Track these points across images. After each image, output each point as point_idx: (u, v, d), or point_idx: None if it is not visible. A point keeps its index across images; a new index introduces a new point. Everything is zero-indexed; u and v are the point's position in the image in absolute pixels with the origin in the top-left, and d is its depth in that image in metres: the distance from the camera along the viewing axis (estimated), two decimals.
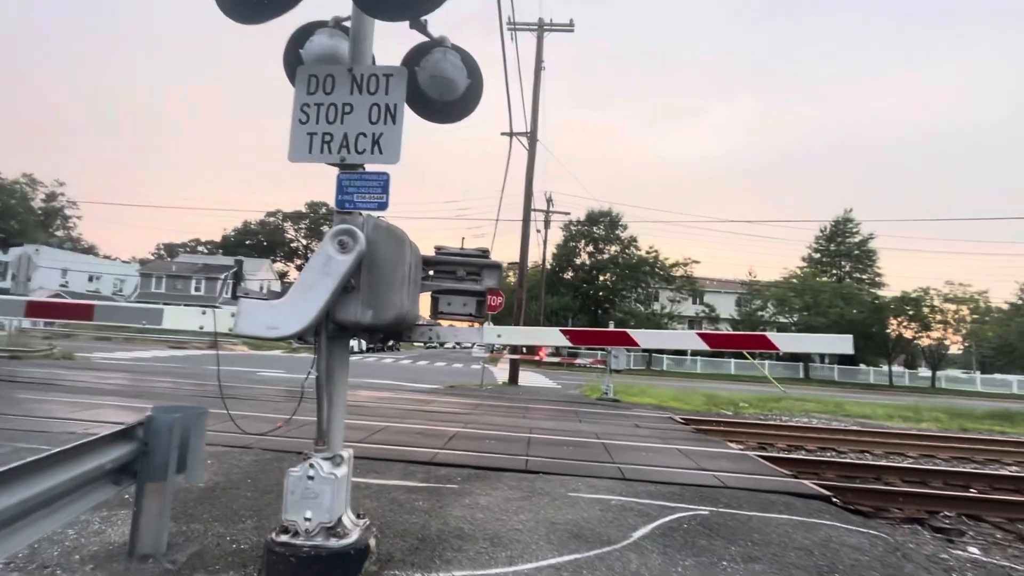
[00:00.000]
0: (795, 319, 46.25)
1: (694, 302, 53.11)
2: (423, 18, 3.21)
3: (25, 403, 8.56)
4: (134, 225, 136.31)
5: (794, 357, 45.40)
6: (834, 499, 5.80)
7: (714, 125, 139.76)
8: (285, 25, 3.23)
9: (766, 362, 43.34)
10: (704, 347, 3.57)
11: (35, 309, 4.00)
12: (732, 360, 45.15)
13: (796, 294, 46.01)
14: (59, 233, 76.82)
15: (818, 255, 55.26)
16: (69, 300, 3.65)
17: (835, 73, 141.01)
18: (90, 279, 59.47)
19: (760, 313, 48.95)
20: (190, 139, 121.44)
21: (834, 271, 54.01)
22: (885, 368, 46.61)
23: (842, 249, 54.18)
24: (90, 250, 76.27)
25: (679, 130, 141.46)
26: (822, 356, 47.00)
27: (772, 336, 3.57)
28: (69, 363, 17.40)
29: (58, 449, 2.42)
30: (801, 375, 45.67)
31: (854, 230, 53.83)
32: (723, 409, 15.92)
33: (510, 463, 6.43)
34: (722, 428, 11.30)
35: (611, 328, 20.02)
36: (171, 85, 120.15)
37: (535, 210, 24.12)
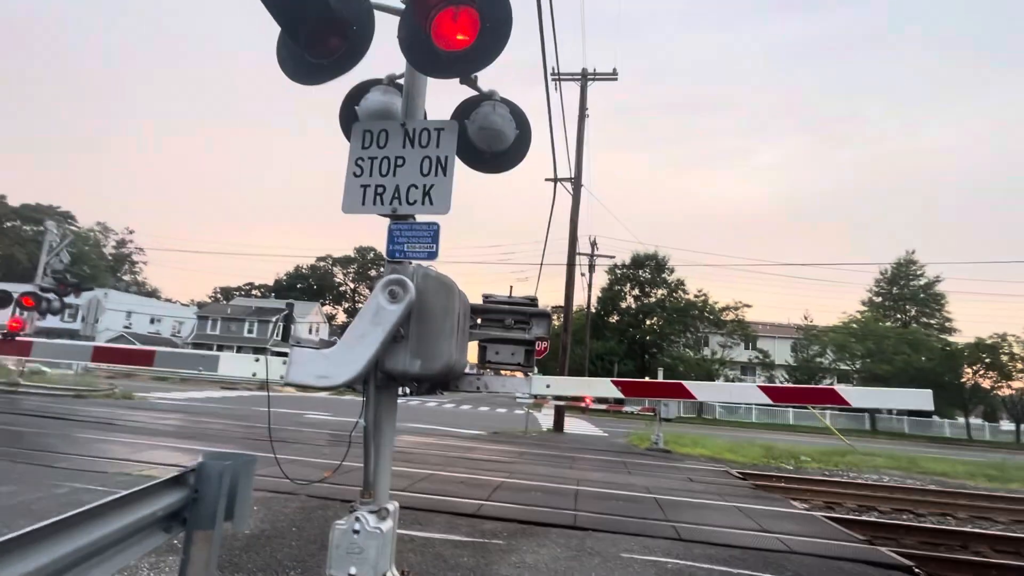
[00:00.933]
0: (857, 366, 43.71)
1: (747, 347, 51.11)
2: (473, 74, 3.30)
3: (85, 443, 8.92)
4: (194, 269, 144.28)
5: (861, 408, 42.69)
6: (917, 570, 5.25)
7: (762, 167, 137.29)
8: (341, 83, 3.39)
9: (827, 412, 40.89)
10: (766, 401, 3.35)
11: (101, 355, 4.19)
12: (790, 409, 42.82)
13: (857, 340, 43.63)
14: (126, 278, 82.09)
15: (879, 299, 52.60)
16: (132, 346, 3.80)
17: (890, 111, 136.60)
18: (151, 321, 62.81)
19: (818, 360, 46.56)
20: (248, 187, 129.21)
21: (898, 316, 51.14)
22: (962, 420, 43.11)
23: (906, 292, 51.41)
24: (153, 294, 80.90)
25: (726, 172, 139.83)
26: (891, 408, 43.98)
27: (842, 390, 3.32)
28: (128, 403, 18.19)
29: (114, 496, 2.44)
30: (867, 426, 42.76)
31: (918, 272, 51.16)
32: (783, 463, 14.97)
33: (557, 518, 6.17)
34: (783, 484, 10.57)
35: (660, 375, 19.45)
36: (240, 145, 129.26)
37: (580, 254, 24.08)
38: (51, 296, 15.44)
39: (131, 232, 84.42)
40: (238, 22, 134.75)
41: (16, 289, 14.75)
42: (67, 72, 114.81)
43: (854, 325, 46.38)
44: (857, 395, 3.36)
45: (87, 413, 13.34)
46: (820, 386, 6.04)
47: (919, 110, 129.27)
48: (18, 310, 13.86)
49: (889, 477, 13.68)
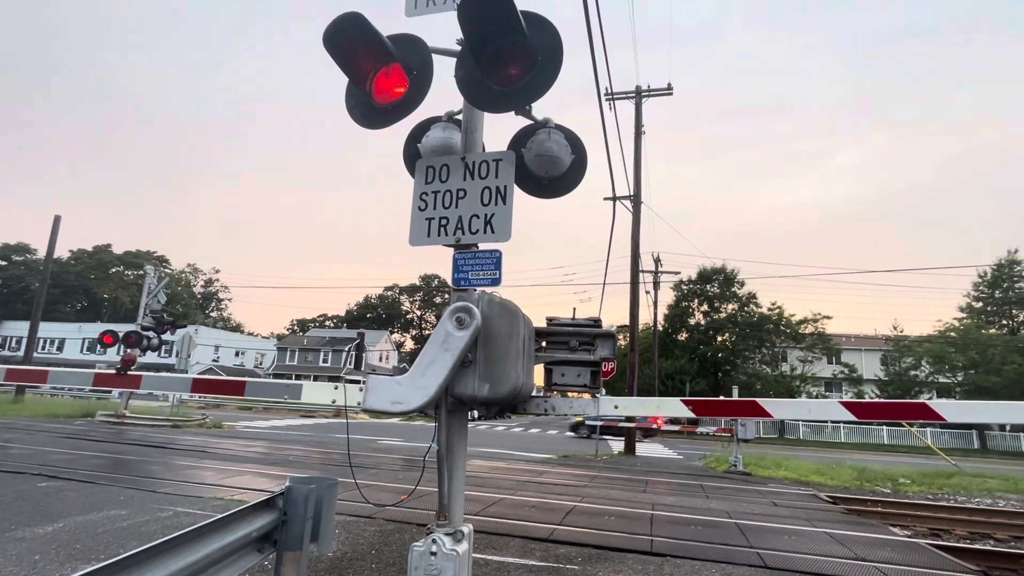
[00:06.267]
0: (959, 378, 39.95)
1: (830, 361, 47.95)
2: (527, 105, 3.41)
3: (182, 469, 9.60)
4: (273, 304, 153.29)
5: (966, 424, 38.94)
6: None
7: (841, 169, 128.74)
8: (403, 123, 3.59)
9: (928, 430, 37.53)
10: (850, 417, 3.17)
11: (198, 386, 4.56)
12: (884, 428, 39.66)
13: (957, 349, 39.95)
14: (213, 314, 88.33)
15: (980, 304, 48.03)
16: (225, 377, 4.11)
17: (980, 101, 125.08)
18: (236, 354, 66.88)
19: (913, 373, 42.92)
20: (318, 224, 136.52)
21: (1004, 321, 46.48)
22: None
23: (1011, 296, 46.68)
24: (237, 328, 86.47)
25: (800, 178, 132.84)
26: (1003, 424, 39.81)
27: (935, 404, 3.09)
28: (218, 431, 19.40)
29: (216, 518, 2.65)
30: (976, 445, 38.83)
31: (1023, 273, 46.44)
32: (879, 486, 13.85)
33: (633, 543, 6.01)
34: (880, 509, 9.79)
35: (735, 393, 18.61)
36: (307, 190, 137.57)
37: (643, 271, 23.69)
38: (151, 334, 16.90)
39: (217, 272, 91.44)
40: (309, 74, 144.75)
41: (121, 328, 16.24)
42: (151, 126, 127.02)
43: (952, 334, 42.56)
44: (953, 409, 3.12)
45: (183, 441, 14.35)
46: (910, 401, 5.50)
47: (1018, 95, 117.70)
48: (124, 347, 15.23)
49: (1006, 501, 12.35)
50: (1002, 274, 47.12)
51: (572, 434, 29.13)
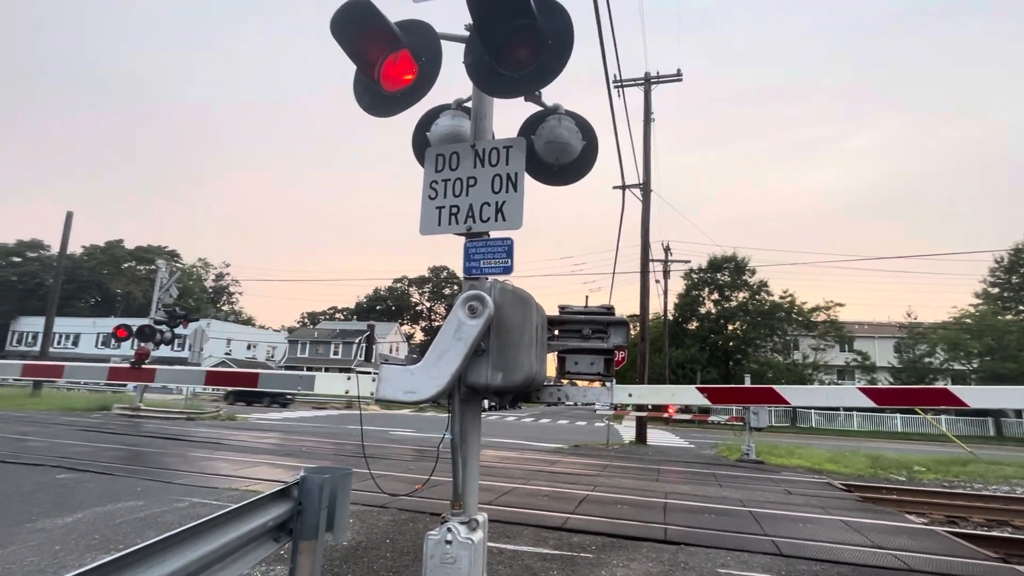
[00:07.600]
0: (974, 366, 39.45)
1: (842, 349, 47.55)
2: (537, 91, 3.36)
3: (197, 461, 9.72)
4: (283, 297, 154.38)
5: (981, 411, 38.55)
6: None
7: (855, 153, 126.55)
8: (412, 111, 3.56)
9: (943, 417, 37.15)
10: (869, 404, 3.12)
11: (212, 378, 4.59)
12: (898, 416, 39.34)
13: (973, 336, 39.44)
14: (225, 308, 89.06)
15: (996, 289, 47.28)
16: (237, 369, 4.13)
17: (1000, 81, 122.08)
18: (248, 347, 67.49)
19: (927, 360, 42.45)
20: (327, 217, 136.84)
21: (1021, 307, 45.75)
22: None
23: None
24: (248, 322, 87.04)
25: (814, 164, 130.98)
26: (1019, 410, 39.34)
27: (956, 389, 3.03)
28: (232, 424, 19.62)
29: (233, 507, 2.66)
30: (992, 432, 38.42)
31: None
32: (893, 474, 13.74)
33: (647, 532, 6.00)
34: (895, 496, 9.71)
35: (747, 382, 18.50)
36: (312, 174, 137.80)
37: (653, 260, 23.55)
38: (163, 328, 17.08)
39: (227, 265, 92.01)
40: (317, 65, 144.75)
41: (135, 323, 16.42)
42: (161, 122, 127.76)
43: (968, 320, 41.99)
44: (975, 395, 3.06)
45: (197, 434, 14.53)
46: (929, 387, 5.35)
47: None
48: (137, 341, 15.41)
49: (1023, 489, 12.21)
50: (1019, 259, 46.32)
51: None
